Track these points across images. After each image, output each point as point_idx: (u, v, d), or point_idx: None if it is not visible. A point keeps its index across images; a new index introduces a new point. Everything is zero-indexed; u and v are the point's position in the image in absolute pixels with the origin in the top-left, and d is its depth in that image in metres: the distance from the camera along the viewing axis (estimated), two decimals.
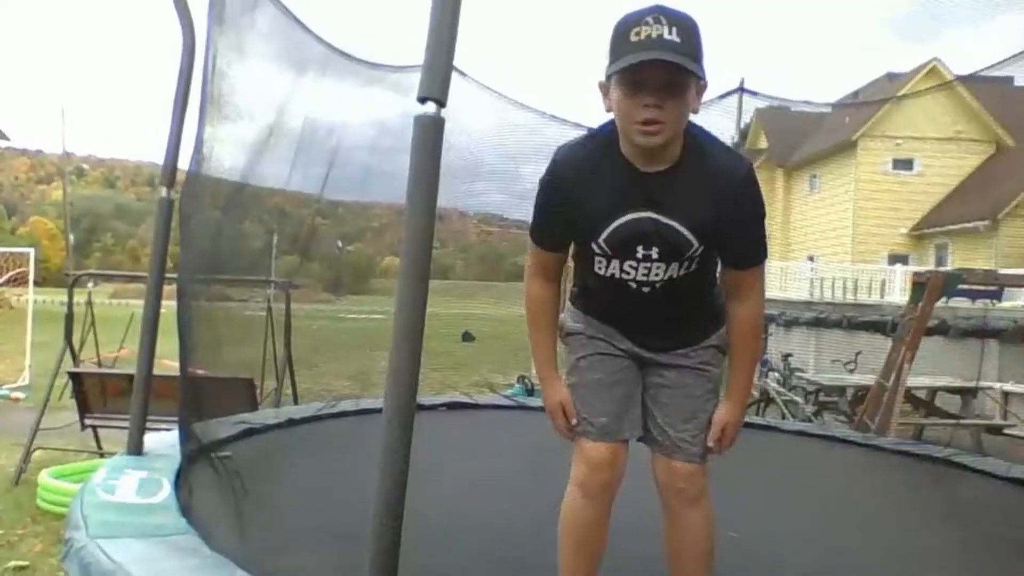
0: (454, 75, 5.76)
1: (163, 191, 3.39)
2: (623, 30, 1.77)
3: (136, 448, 3.32)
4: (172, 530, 2.46)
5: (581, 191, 1.96)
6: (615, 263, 2.01)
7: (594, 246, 2.00)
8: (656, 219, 1.93)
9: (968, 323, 11.14)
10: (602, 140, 1.97)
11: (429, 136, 1.69)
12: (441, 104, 1.67)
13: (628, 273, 2.01)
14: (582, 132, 6.50)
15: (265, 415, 5.03)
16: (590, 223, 1.98)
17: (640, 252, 1.97)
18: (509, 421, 6.03)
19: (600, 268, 2.04)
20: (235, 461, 3.32)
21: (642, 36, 1.73)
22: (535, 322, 2.18)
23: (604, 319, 2.17)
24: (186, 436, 3.30)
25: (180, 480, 3.02)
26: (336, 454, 4.24)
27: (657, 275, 2.00)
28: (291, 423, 4.83)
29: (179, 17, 3.38)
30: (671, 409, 2.15)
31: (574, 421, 2.14)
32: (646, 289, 2.03)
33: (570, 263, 2.22)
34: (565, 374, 2.21)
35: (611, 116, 1.91)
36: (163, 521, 2.53)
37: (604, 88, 1.88)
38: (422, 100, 1.67)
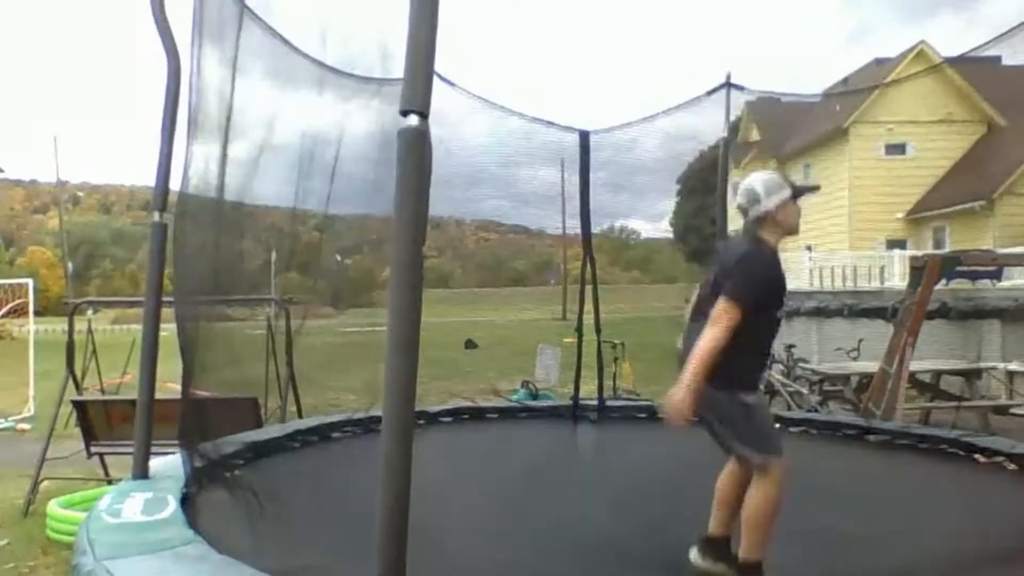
0: (447, 86, 5.76)
1: (155, 216, 3.40)
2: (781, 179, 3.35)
3: (141, 472, 3.32)
4: (179, 541, 2.46)
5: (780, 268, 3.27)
6: (783, 311, 3.28)
7: (784, 298, 3.25)
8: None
9: (968, 304, 11.14)
10: (769, 244, 3.25)
11: (414, 148, 1.70)
12: (424, 116, 1.68)
13: (781, 316, 3.27)
14: (573, 134, 6.40)
15: (270, 432, 5.03)
16: (784, 285, 3.25)
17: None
18: (515, 426, 6.02)
19: (780, 312, 3.24)
20: (243, 477, 3.32)
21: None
22: (711, 360, 2.96)
23: (758, 376, 3.27)
24: (189, 456, 3.30)
25: (186, 496, 3.02)
26: (345, 466, 4.24)
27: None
28: (296, 437, 4.83)
29: (162, 41, 3.39)
30: None
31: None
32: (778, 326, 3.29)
33: None
34: (756, 419, 3.18)
35: None
36: (170, 535, 2.53)
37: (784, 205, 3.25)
38: (404, 113, 1.67)
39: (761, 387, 3.35)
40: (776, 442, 3.17)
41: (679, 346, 3.27)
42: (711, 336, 2.95)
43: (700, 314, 3.15)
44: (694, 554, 3.28)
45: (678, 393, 2.92)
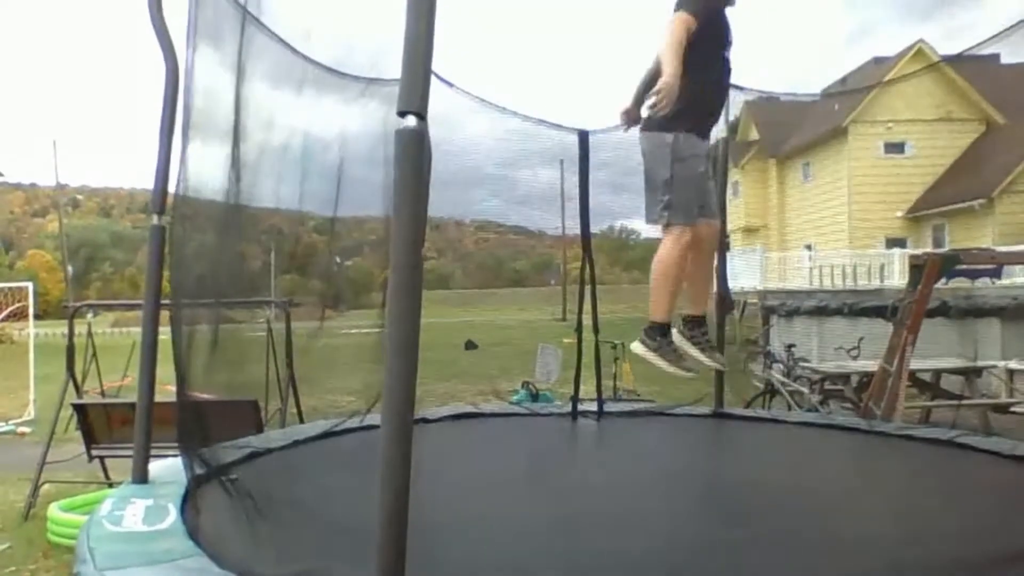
0: (444, 86, 5.74)
1: (154, 219, 3.39)
2: None
3: (141, 476, 3.31)
4: (180, 554, 2.45)
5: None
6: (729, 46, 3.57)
7: (728, 49, 3.55)
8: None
9: (968, 303, 11.14)
10: None
11: (411, 149, 1.70)
12: (421, 117, 1.67)
13: (727, 58, 3.59)
14: (573, 135, 6.47)
15: (271, 437, 5.02)
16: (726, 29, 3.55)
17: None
18: (513, 427, 6.01)
19: (727, 50, 3.53)
20: (244, 482, 3.31)
21: None
22: (678, 52, 3.23)
23: (705, 126, 3.52)
24: (189, 462, 3.29)
25: (186, 505, 3.01)
26: (346, 471, 4.23)
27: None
28: (298, 443, 4.82)
29: (160, 43, 3.38)
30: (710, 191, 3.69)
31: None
32: (730, 67, 3.62)
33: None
34: (678, 175, 3.39)
35: None
36: (171, 546, 2.52)
37: None
38: (402, 114, 1.67)
39: (701, 148, 3.46)
40: (688, 209, 3.39)
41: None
42: (667, 41, 3.20)
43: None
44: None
45: (667, 81, 3.15)
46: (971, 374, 9.00)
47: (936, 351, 9.49)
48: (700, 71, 3.32)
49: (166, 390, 3.94)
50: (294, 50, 4.52)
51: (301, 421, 6.84)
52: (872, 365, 7.99)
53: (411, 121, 1.67)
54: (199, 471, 3.33)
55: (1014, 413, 8.51)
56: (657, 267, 3.42)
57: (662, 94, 3.17)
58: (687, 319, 3.80)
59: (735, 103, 7.24)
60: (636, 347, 3.51)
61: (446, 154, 6.14)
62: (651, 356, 3.46)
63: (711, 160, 3.62)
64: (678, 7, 3.33)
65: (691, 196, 3.39)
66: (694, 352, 3.65)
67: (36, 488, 6.26)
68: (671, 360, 3.47)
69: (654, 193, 3.46)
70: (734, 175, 27.31)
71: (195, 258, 3.67)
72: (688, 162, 3.39)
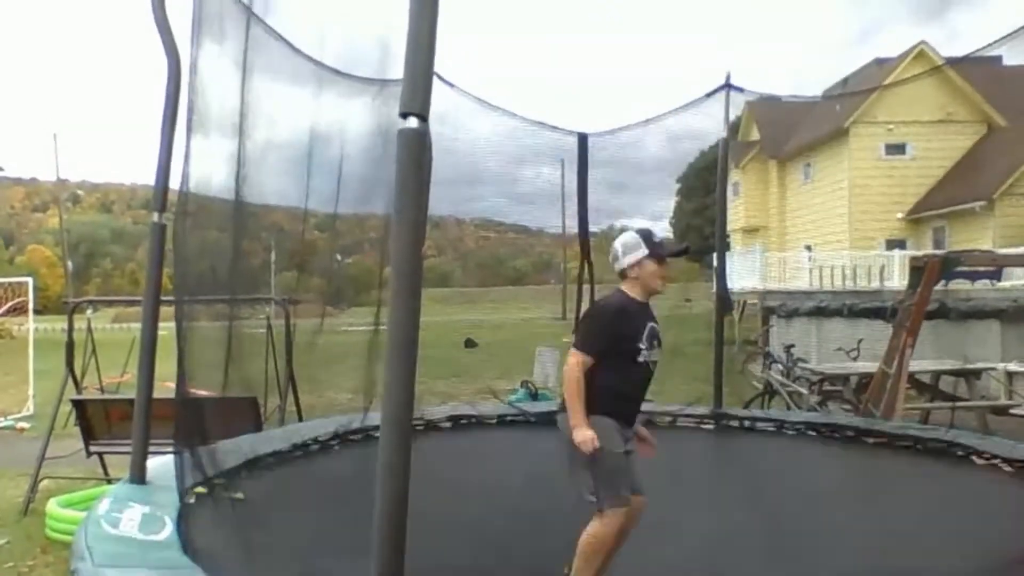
0: (447, 88, 5.75)
1: (155, 216, 3.39)
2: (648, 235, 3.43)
3: (139, 475, 3.31)
4: (175, 565, 2.45)
5: (628, 317, 3.35)
6: (647, 352, 3.32)
7: (639, 344, 3.31)
8: (654, 325, 3.38)
9: (968, 305, 11.13)
10: (625, 295, 3.42)
11: (413, 150, 1.70)
12: (423, 118, 1.67)
13: (651, 356, 3.34)
14: (572, 137, 6.42)
15: (267, 439, 5.00)
16: (634, 333, 3.32)
17: (655, 342, 3.36)
18: (513, 432, 6.01)
19: (641, 357, 3.32)
20: (239, 486, 3.31)
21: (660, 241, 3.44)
22: (577, 393, 3.22)
23: (620, 414, 3.32)
24: (182, 472, 3.26)
25: (182, 516, 3.00)
26: (343, 471, 4.24)
27: (656, 356, 3.37)
28: (296, 446, 4.82)
29: (162, 40, 3.38)
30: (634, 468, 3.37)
31: (597, 444, 3.14)
32: (652, 366, 3.37)
33: None
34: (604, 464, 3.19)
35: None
36: (166, 556, 2.52)
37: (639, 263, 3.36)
38: (404, 115, 1.67)
39: (625, 436, 3.34)
40: (618, 491, 3.21)
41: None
42: (564, 380, 3.27)
43: None
44: None
45: (577, 435, 3.13)
46: (970, 376, 8.99)
47: (934, 353, 9.49)
48: (614, 376, 3.28)
49: (165, 387, 3.94)
50: (297, 50, 4.52)
51: (300, 419, 6.83)
52: (871, 366, 7.98)
53: (413, 122, 1.67)
54: (195, 480, 3.31)
55: (1013, 415, 8.51)
56: (589, 543, 3.21)
57: (583, 449, 3.13)
58: None
59: (737, 103, 7.25)
60: None
61: (447, 152, 6.15)
62: None
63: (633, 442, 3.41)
64: (575, 344, 3.33)
65: (618, 479, 3.24)
66: None
67: (35, 483, 6.26)
68: None
69: (577, 474, 3.28)
70: (735, 175, 27.28)
71: (197, 255, 3.67)
72: (609, 450, 3.22)
